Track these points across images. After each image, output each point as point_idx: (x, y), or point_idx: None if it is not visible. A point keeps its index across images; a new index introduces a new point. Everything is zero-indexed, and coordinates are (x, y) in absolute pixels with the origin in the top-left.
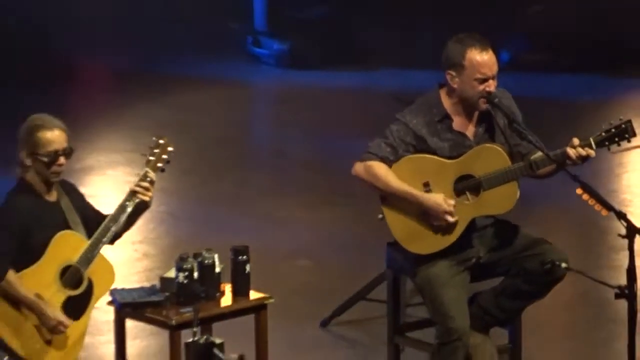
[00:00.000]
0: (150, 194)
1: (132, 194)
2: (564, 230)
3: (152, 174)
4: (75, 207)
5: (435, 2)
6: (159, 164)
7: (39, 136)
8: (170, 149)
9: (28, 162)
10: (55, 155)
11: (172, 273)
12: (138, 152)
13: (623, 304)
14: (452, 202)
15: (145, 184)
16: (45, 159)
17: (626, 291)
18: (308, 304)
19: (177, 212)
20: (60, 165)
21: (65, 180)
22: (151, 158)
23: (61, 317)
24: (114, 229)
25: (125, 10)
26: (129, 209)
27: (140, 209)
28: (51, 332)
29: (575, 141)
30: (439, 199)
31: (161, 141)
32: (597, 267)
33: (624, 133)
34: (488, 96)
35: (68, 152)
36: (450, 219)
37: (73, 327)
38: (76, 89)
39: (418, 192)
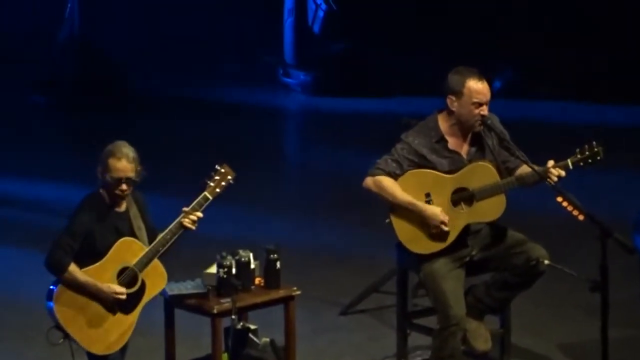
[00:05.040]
0: (195, 226)
1: (181, 225)
2: (548, 232)
3: (199, 214)
4: (141, 215)
5: (441, 40)
6: (217, 190)
7: (109, 162)
8: (229, 177)
9: (100, 177)
10: (119, 181)
11: (213, 269)
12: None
13: (597, 294)
14: (446, 217)
15: (194, 218)
16: (111, 182)
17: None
18: (329, 295)
19: (222, 216)
20: (123, 190)
21: (136, 191)
22: (211, 184)
23: (116, 288)
24: (170, 242)
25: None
26: (177, 235)
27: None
28: (111, 304)
29: (550, 162)
30: (437, 209)
31: (222, 169)
32: (575, 263)
33: (596, 156)
34: (482, 119)
35: (130, 181)
36: (445, 228)
37: (123, 320)
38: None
39: (419, 203)
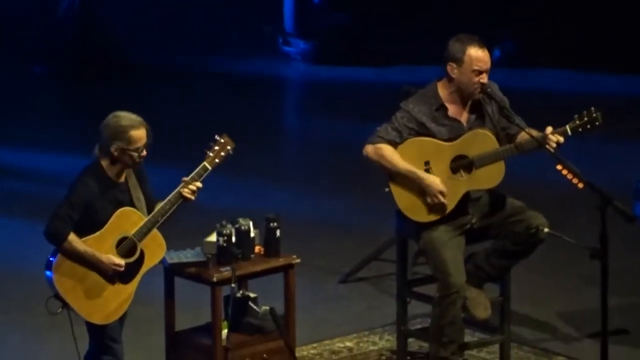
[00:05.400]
0: (194, 196)
1: (180, 195)
2: (547, 202)
3: (198, 184)
4: (140, 186)
5: (438, 11)
6: (217, 160)
7: (131, 134)
8: (229, 147)
9: (116, 153)
10: (142, 149)
11: (213, 237)
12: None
13: (596, 263)
14: (445, 188)
15: (193, 188)
16: (134, 154)
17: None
18: (329, 264)
19: (221, 186)
20: (143, 157)
21: None
22: (210, 154)
23: (115, 259)
24: (169, 213)
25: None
26: (176, 205)
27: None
28: (110, 274)
29: (549, 129)
30: (436, 179)
31: (222, 140)
32: (574, 233)
33: (595, 121)
34: (482, 87)
35: (148, 146)
36: (442, 199)
37: (122, 290)
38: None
39: (419, 171)
